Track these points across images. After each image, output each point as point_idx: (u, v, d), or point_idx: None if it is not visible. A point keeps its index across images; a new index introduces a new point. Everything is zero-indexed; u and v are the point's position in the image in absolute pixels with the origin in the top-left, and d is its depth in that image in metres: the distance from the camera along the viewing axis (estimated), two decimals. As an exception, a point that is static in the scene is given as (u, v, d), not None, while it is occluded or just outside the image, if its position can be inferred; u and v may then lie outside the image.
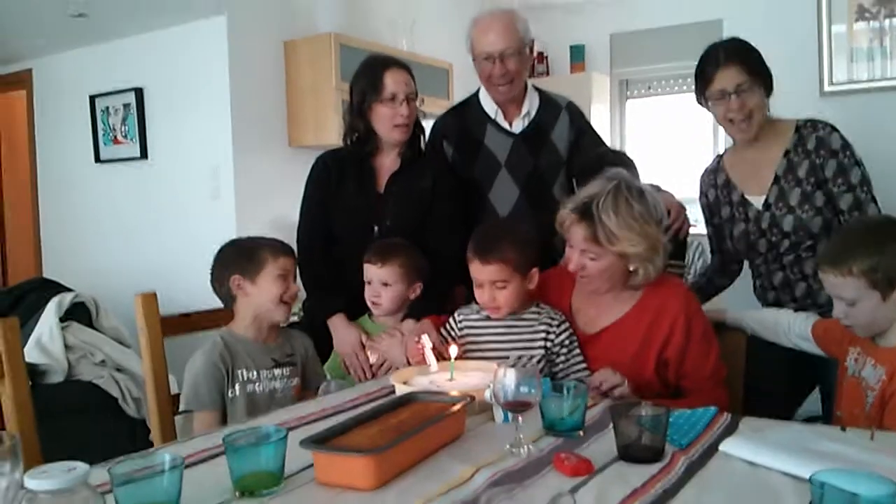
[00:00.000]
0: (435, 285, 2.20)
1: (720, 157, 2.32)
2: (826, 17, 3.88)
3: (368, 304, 2.17)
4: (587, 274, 1.79)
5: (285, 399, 1.87)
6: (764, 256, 2.17)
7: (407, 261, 2.13)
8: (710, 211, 2.34)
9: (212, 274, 1.98)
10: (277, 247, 1.97)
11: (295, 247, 2.24)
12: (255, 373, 1.88)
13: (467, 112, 2.49)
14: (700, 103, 2.16)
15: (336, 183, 2.28)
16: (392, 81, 2.20)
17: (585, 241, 1.75)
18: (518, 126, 2.43)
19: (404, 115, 2.21)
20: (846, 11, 3.69)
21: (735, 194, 2.21)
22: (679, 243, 2.52)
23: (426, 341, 1.73)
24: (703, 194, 2.34)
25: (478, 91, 2.51)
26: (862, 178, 2.05)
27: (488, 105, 2.45)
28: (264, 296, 1.91)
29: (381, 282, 2.12)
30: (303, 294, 2.37)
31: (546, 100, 2.49)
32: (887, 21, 2.92)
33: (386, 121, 2.22)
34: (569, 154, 2.45)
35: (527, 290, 1.85)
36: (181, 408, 1.84)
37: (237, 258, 1.95)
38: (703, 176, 2.35)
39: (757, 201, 2.15)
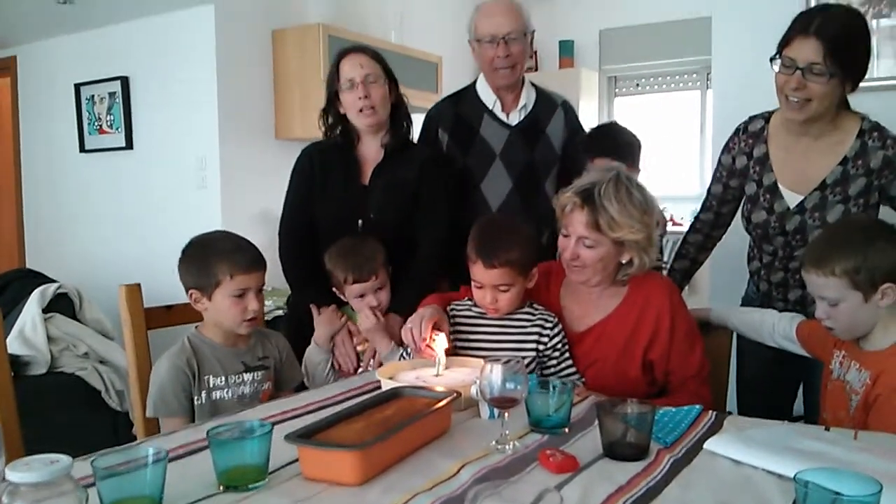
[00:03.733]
0: (419, 276, 2.18)
1: (766, 120, 2.03)
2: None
3: (368, 313, 2.10)
4: (581, 263, 1.78)
5: (252, 405, 1.72)
6: (774, 251, 2.03)
7: (383, 256, 2.12)
8: (729, 174, 2.11)
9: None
10: (238, 260, 1.76)
11: (276, 241, 2.23)
12: (222, 378, 1.78)
13: (464, 101, 2.47)
14: (771, 64, 1.88)
15: (321, 174, 2.26)
16: (348, 67, 2.19)
17: (586, 228, 1.74)
18: (514, 118, 2.42)
19: (361, 96, 2.18)
20: (834, 12, 3.70)
21: (768, 178, 1.99)
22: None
23: (440, 342, 1.67)
24: (731, 155, 2.09)
25: (475, 81, 2.50)
26: None
27: (486, 95, 2.43)
28: (220, 315, 1.78)
29: (376, 289, 2.11)
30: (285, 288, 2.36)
31: (542, 95, 2.49)
32: (875, 21, 2.92)
33: (351, 108, 2.21)
34: (562, 153, 2.44)
35: (526, 290, 1.84)
36: (148, 414, 1.76)
37: (191, 268, 1.79)
38: (738, 135, 2.08)
39: (791, 198, 1.96)
